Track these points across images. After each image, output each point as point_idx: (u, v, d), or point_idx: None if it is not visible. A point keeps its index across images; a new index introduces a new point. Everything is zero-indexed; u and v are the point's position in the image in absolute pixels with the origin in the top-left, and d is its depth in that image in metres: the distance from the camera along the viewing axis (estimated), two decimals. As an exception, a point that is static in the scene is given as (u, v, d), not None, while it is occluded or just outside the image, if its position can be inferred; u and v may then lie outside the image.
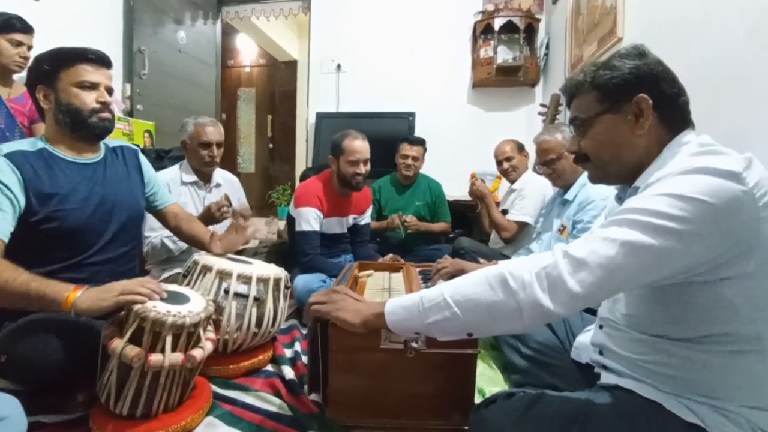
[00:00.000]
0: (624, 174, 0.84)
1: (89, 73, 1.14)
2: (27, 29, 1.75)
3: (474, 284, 0.74)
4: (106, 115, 1.18)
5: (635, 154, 0.81)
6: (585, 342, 1.06)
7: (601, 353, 0.90)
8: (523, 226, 2.26)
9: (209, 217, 1.75)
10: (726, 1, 1.28)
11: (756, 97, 1.17)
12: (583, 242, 0.70)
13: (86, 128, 1.16)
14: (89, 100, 1.14)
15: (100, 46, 2.76)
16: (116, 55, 2.91)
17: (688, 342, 0.72)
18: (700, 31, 1.41)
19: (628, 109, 0.79)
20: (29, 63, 1.70)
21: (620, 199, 0.90)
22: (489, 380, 1.28)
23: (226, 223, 1.66)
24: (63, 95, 1.13)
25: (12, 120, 1.73)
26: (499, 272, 0.73)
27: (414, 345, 0.88)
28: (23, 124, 1.78)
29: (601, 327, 0.92)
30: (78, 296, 0.92)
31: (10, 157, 1.06)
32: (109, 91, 1.20)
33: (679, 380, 0.73)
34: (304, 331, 1.63)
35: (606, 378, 0.87)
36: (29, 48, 1.76)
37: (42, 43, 1.80)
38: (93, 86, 1.15)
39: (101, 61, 1.18)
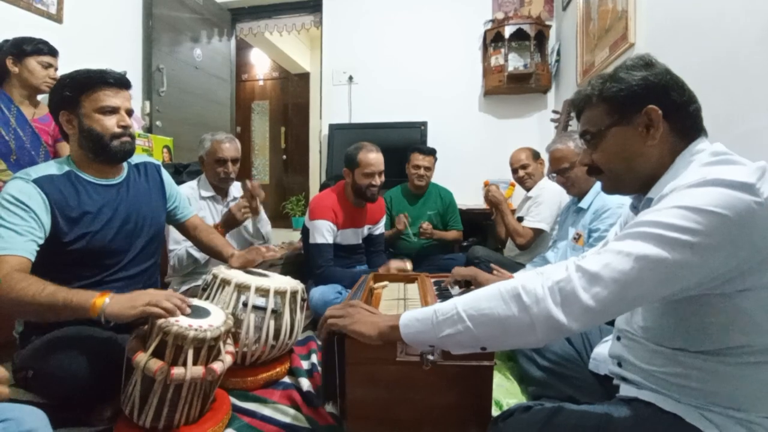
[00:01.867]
0: (638, 185, 0.84)
1: (109, 97, 1.16)
2: (54, 52, 1.84)
3: (487, 298, 0.74)
4: (126, 138, 1.20)
5: (648, 164, 0.80)
6: (603, 353, 1.05)
7: (619, 365, 0.89)
8: (538, 233, 2.25)
9: (231, 219, 1.79)
10: (737, 3, 1.27)
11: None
12: (596, 255, 0.70)
13: (108, 152, 1.18)
14: (110, 124, 1.16)
15: (120, 65, 2.88)
16: (136, 74, 3.02)
17: (707, 354, 0.72)
18: (712, 33, 1.40)
19: (639, 121, 0.79)
20: None
21: (635, 208, 0.90)
22: (506, 392, 1.27)
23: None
24: (85, 120, 1.15)
25: (37, 139, 1.80)
26: (512, 286, 0.73)
27: (430, 357, 0.89)
28: (48, 143, 1.85)
29: (618, 338, 0.91)
30: (107, 302, 0.95)
31: (39, 182, 1.10)
32: (129, 113, 1.22)
33: (698, 392, 0.72)
34: (320, 343, 1.64)
35: (625, 390, 0.86)
36: (56, 69, 1.84)
37: (66, 64, 1.88)
38: (113, 110, 1.17)
39: (120, 83, 1.19)
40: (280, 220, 5.10)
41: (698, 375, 0.72)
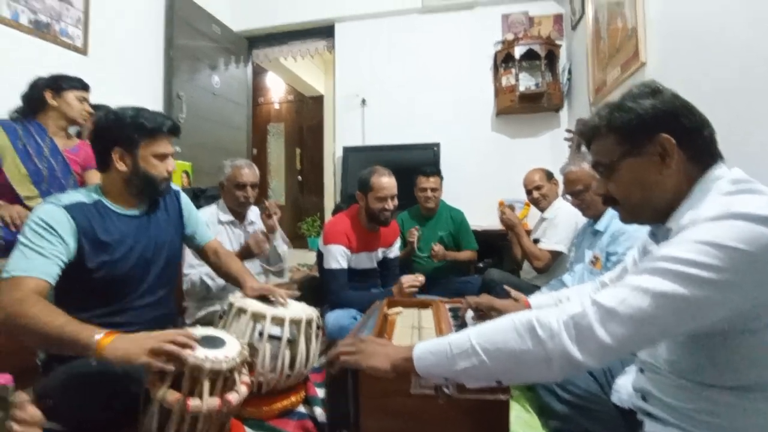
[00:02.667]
0: (656, 215, 0.82)
1: (166, 145, 1.24)
2: (87, 87, 1.95)
3: (502, 331, 0.74)
4: (169, 182, 1.30)
5: (665, 194, 0.78)
6: (625, 384, 1.02)
7: (644, 399, 0.86)
8: (556, 255, 2.22)
9: (247, 251, 1.83)
10: (745, 18, 1.26)
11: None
12: (613, 290, 0.69)
13: (156, 192, 1.28)
14: (162, 169, 1.24)
15: (142, 93, 3.00)
16: (157, 101, 3.13)
17: (736, 390, 0.69)
18: (724, 51, 1.39)
19: (652, 150, 0.77)
20: (91, 117, 1.91)
21: (654, 235, 0.88)
22: (525, 424, 1.24)
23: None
24: (141, 163, 1.21)
25: (68, 169, 1.88)
26: (527, 319, 0.72)
27: (445, 391, 0.88)
28: (77, 172, 1.93)
29: (641, 371, 0.89)
30: (109, 345, 0.92)
31: (69, 208, 1.14)
32: (174, 157, 1.30)
33: (726, 429, 0.70)
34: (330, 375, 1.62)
35: (651, 427, 0.83)
36: (89, 103, 1.96)
37: (92, 94, 1.98)
38: (165, 156, 1.25)
39: (173, 131, 1.27)
40: (296, 240, 5.14)
41: (725, 411, 0.70)
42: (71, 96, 1.87)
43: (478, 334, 0.75)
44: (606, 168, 0.84)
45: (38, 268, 1.04)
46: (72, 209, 1.14)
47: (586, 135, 0.88)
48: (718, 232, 0.63)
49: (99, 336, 0.92)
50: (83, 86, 1.92)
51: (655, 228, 0.87)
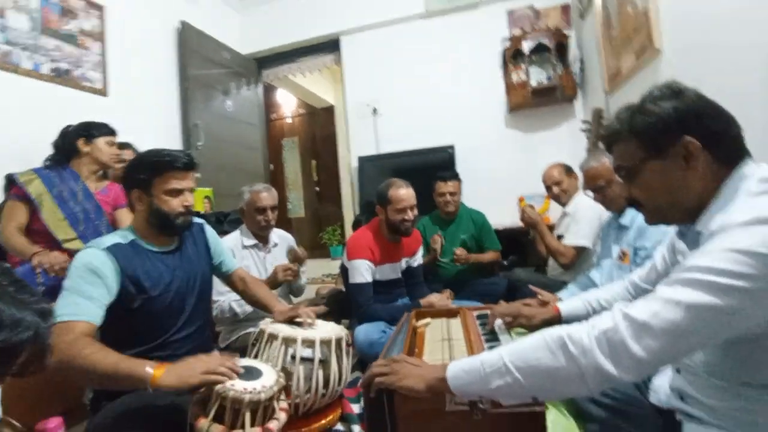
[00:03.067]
0: (682, 216, 0.81)
1: (177, 180, 1.27)
2: (114, 133, 2.06)
3: (534, 348, 0.74)
4: (188, 216, 1.31)
5: (691, 196, 0.77)
6: (663, 384, 1.00)
7: (681, 399, 0.86)
8: (581, 250, 2.18)
9: (274, 279, 1.88)
10: None
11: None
12: (644, 303, 0.68)
13: (172, 228, 1.30)
14: (176, 204, 1.27)
15: (162, 126, 3.10)
16: (175, 131, 3.24)
17: None
18: (745, 30, 1.34)
19: (675, 153, 0.76)
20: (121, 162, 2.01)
21: (683, 234, 0.87)
22: (563, 429, 1.22)
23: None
24: (155, 201, 1.26)
25: (99, 210, 1.98)
26: (558, 336, 0.72)
27: (480, 406, 0.89)
28: (108, 212, 2.03)
29: (678, 371, 0.88)
30: (162, 375, 0.99)
31: (110, 250, 1.20)
32: (191, 191, 1.32)
33: (764, 427, 0.69)
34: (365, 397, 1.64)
35: (690, 429, 0.82)
36: (118, 147, 2.07)
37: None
38: (179, 192, 1.28)
39: (188, 166, 1.29)
40: (318, 250, 5.21)
41: (763, 410, 0.69)
42: (102, 142, 1.98)
43: (510, 353, 0.76)
44: (628, 171, 0.84)
45: (85, 311, 1.10)
46: (113, 250, 1.20)
47: (607, 140, 0.88)
48: (749, 240, 0.62)
49: (152, 368, 0.99)
50: (110, 132, 2.04)
51: (683, 228, 0.85)
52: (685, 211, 0.79)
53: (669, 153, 0.77)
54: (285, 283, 1.92)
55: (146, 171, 1.26)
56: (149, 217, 1.28)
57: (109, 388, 1.13)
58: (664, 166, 0.78)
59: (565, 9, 3.24)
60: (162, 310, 1.26)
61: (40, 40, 2.32)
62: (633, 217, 1.63)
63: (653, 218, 0.87)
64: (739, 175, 0.74)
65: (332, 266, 4.17)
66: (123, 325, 1.21)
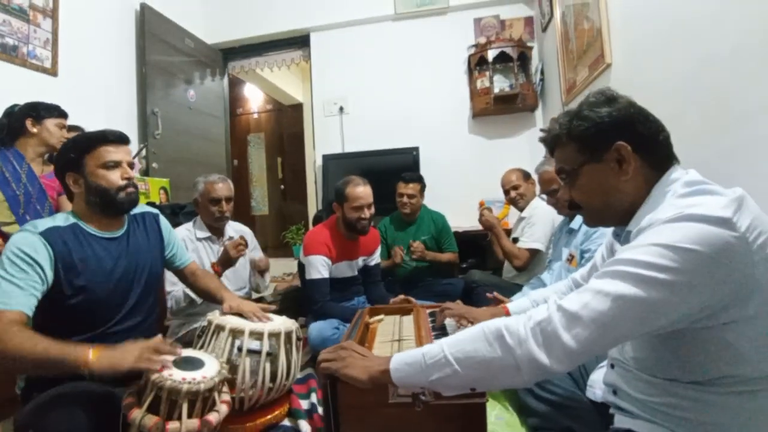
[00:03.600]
0: (617, 217, 0.85)
1: (111, 153, 1.21)
2: (64, 115, 1.97)
3: (472, 339, 0.75)
4: (131, 189, 1.25)
5: (625, 198, 0.81)
6: (599, 380, 1.05)
7: (614, 393, 0.89)
8: (534, 253, 2.26)
9: (226, 257, 1.83)
10: (707, 23, 1.31)
11: (739, 112, 1.20)
12: (576, 295, 0.71)
13: (115, 205, 1.23)
14: (115, 178, 1.21)
15: (116, 112, 2.97)
16: (132, 119, 3.10)
17: (698, 384, 0.72)
18: (684, 51, 1.45)
19: (609, 157, 0.80)
20: None
21: (617, 235, 0.91)
22: (506, 425, 1.26)
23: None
24: (91, 178, 1.20)
25: (44, 195, 1.88)
26: (496, 327, 0.74)
27: (422, 398, 0.89)
28: (52, 197, 1.93)
29: (612, 366, 0.92)
30: (95, 356, 0.96)
31: (45, 234, 1.13)
32: (131, 165, 1.27)
33: (692, 422, 0.72)
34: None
35: (620, 421, 0.85)
36: (68, 130, 1.96)
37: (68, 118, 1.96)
38: (116, 164, 1.22)
39: (120, 139, 1.25)
40: (281, 249, 5.11)
41: (691, 405, 0.72)
42: (51, 123, 1.89)
43: (450, 344, 0.77)
44: (568, 175, 0.87)
45: (15, 300, 1.05)
46: (47, 234, 1.14)
47: (549, 143, 0.91)
48: (673, 235, 0.65)
49: (84, 350, 0.96)
50: (61, 114, 1.94)
51: (618, 229, 0.89)
52: (619, 213, 0.83)
53: (604, 157, 0.80)
54: (237, 259, 1.87)
55: (76, 149, 1.21)
56: (88, 197, 1.22)
57: (43, 374, 1.09)
58: (600, 170, 0.81)
59: (529, 21, 3.36)
60: (101, 298, 1.20)
61: (-15, 12, 2.17)
62: (581, 222, 1.70)
63: (591, 220, 0.91)
64: (667, 179, 0.78)
65: (294, 265, 4.11)
66: (60, 313, 1.15)
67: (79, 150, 1.21)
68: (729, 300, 0.65)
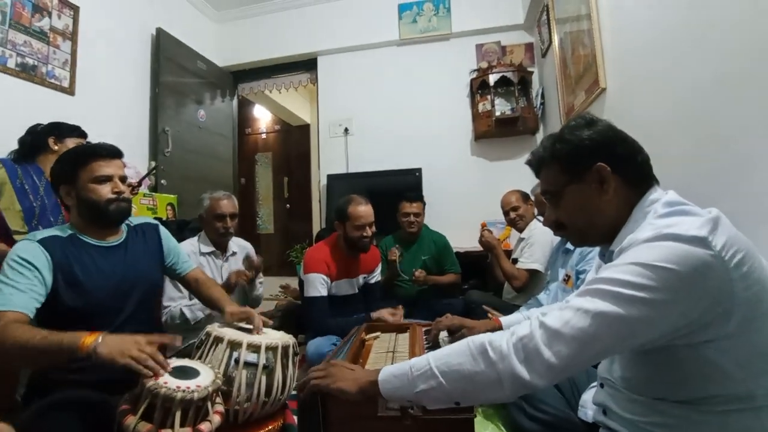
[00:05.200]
0: (601, 237, 0.87)
1: (102, 167, 1.26)
2: (84, 135, 2.05)
3: (457, 354, 0.77)
4: (121, 203, 1.28)
5: (606, 218, 0.84)
6: (590, 400, 1.05)
7: (604, 413, 0.89)
8: (533, 273, 2.26)
9: (229, 286, 1.86)
10: (694, 50, 1.36)
11: (723, 136, 1.23)
12: (558, 312, 0.73)
13: (105, 217, 1.27)
14: (104, 192, 1.25)
15: (129, 130, 3.06)
16: (143, 136, 3.20)
17: (686, 403, 0.73)
18: (671, 77, 1.50)
19: (590, 178, 0.83)
20: None
21: (603, 255, 0.93)
22: (498, 443, 1.25)
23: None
24: (82, 192, 1.24)
25: (58, 209, 1.95)
26: (480, 342, 0.76)
27: (411, 411, 0.91)
28: (65, 212, 1.99)
29: (602, 386, 0.92)
30: (98, 341, 0.97)
31: (43, 242, 1.18)
32: (122, 179, 1.31)
33: None
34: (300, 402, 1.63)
35: (609, 442, 0.86)
36: None
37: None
38: (107, 179, 1.26)
39: (112, 154, 1.29)
40: (285, 267, 5.13)
41: (677, 423, 0.73)
42: (72, 143, 1.96)
43: (436, 357, 0.79)
44: (553, 196, 0.90)
45: (16, 302, 1.09)
46: (46, 243, 1.19)
47: (534, 165, 0.94)
48: (650, 254, 0.67)
49: (82, 333, 0.99)
50: (81, 134, 2.03)
51: (603, 249, 0.92)
52: (602, 233, 0.86)
53: (585, 178, 0.84)
54: (238, 286, 1.91)
55: (69, 164, 1.26)
56: (81, 209, 1.27)
57: (42, 364, 1.12)
58: (582, 190, 0.85)
59: (529, 47, 3.45)
60: (98, 305, 1.23)
61: (9, 34, 2.29)
62: (577, 242, 1.72)
63: (575, 239, 0.94)
64: (647, 200, 0.81)
65: (297, 284, 4.13)
66: (58, 319, 1.17)
67: (73, 164, 1.26)
68: (709, 317, 0.66)
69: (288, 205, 5.99)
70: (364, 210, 1.99)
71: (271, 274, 4.07)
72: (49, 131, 1.95)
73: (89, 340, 0.98)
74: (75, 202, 1.27)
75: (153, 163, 3.00)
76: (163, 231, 1.52)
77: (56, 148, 1.93)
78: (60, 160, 1.29)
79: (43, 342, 0.99)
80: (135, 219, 1.47)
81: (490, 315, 1.60)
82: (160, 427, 0.96)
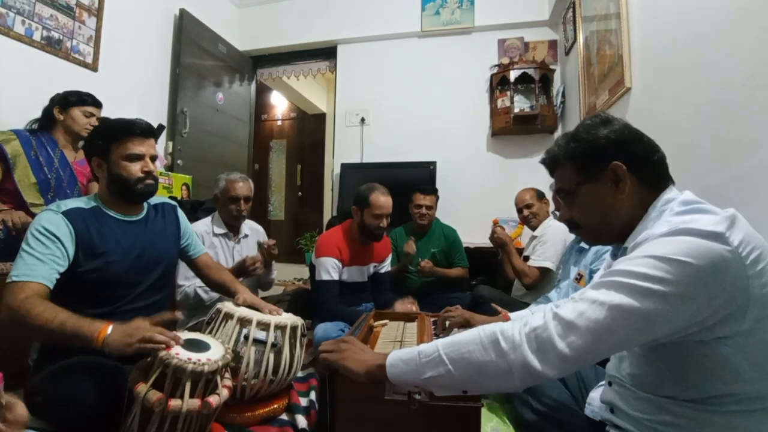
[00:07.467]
0: (615, 236, 0.87)
1: (135, 146, 1.28)
2: (97, 104, 2.05)
3: (467, 342, 0.77)
4: (149, 181, 1.31)
5: (621, 216, 0.83)
6: (597, 397, 1.04)
7: (611, 411, 0.89)
8: (544, 272, 2.25)
9: (242, 269, 1.87)
10: (723, 52, 1.33)
11: (750, 140, 1.20)
12: (572, 304, 0.72)
13: (133, 194, 1.30)
14: (135, 170, 1.28)
15: (149, 109, 3.09)
16: (162, 116, 3.22)
17: (694, 403, 0.72)
18: (700, 79, 1.46)
19: (606, 177, 0.82)
20: None
21: (615, 255, 0.92)
22: (502, 435, 1.25)
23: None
24: (114, 167, 1.27)
25: (74, 180, 1.98)
26: (491, 331, 0.75)
27: (417, 397, 0.91)
28: (82, 183, 2.02)
29: (610, 384, 0.92)
30: (105, 335, 1.01)
31: (67, 214, 1.21)
32: (153, 159, 1.34)
33: None
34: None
35: (616, 440, 0.85)
36: (97, 119, 2.04)
37: (103, 108, 2.07)
38: (138, 157, 1.29)
39: (146, 133, 1.32)
40: (294, 255, 5.17)
41: (686, 423, 0.73)
42: (77, 112, 1.98)
43: (446, 344, 0.78)
44: (567, 194, 0.89)
45: (39, 273, 1.12)
46: (69, 214, 1.21)
47: (549, 165, 0.94)
48: (668, 247, 0.67)
49: (98, 326, 1.02)
50: (93, 102, 2.02)
51: (615, 248, 0.91)
52: (616, 232, 0.85)
53: (600, 177, 0.83)
54: (252, 274, 1.92)
55: (104, 137, 1.28)
56: (109, 183, 1.29)
57: (58, 344, 1.15)
58: (597, 189, 0.84)
59: (553, 44, 3.40)
60: (118, 277, 1.26)
61: (36, 6, 2.32)
62: (592, 241, 1.70)
63: (589, 238, 0.93)
64: (663, 199, 0.80)
65: (306, 272, 4.15)
66: (78, 287, 1.21)
67: (107, 137, 1.28)
68: (723, 313, 0.66)
69: (300, 193, 6.01)
70: (384, 200, 1.99)
71: (280, 261, 4.09)
72: (56, 101, 1.96)
73: (103, 332, 1.02)
74: (105, 175, 1.29)
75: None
76: (181, 213, 1.56)
77: (61, 118, 1.95)
78: (95, 130, 1.33)
79: (60, 328, 1.03)
80: (154, 198, 1.49)
81: (499, 311, 1.59)
82: (170, 397, 0.98)
